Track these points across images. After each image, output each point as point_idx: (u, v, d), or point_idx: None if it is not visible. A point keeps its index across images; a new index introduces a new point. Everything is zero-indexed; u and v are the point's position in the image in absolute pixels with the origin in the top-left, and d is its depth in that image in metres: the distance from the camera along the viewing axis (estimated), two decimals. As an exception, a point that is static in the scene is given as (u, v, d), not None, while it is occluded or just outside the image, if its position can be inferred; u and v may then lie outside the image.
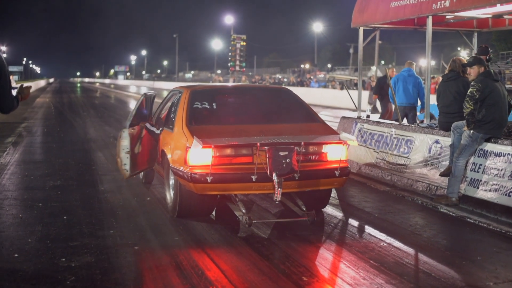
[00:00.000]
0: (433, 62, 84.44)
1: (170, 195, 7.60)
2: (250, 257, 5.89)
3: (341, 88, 39.96)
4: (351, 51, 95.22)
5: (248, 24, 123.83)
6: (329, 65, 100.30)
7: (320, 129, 7.26)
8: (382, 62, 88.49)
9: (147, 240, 6.43)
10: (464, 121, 7.98)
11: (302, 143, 6.67)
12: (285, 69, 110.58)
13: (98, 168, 11.07)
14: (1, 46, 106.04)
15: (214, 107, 7.57)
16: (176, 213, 7.22)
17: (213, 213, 7.48)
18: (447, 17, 10.99)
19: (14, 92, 5.75)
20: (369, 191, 9.12)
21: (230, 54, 27.03)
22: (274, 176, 6.48)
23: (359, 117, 11.54)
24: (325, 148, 6.94)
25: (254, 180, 6.56)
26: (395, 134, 10.01)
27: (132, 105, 37.77)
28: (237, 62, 26.81)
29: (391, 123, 10.39)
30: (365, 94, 32.00)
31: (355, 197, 8.68)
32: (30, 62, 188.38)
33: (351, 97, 12.25)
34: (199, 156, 6.58)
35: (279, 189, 6.51)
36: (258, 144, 6.47)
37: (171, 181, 7.59)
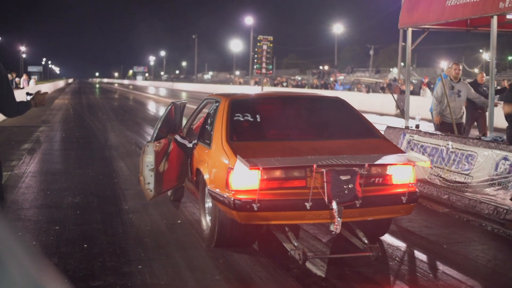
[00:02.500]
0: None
1: (206, 221, 6.59)
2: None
3: (367, 91, 38.84)
4: (371, 52, 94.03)
5: (266, 25, 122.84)
6: (349, 67, 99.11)
7: (383, 146, 6.22)
8: (402, 64, 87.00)
9: (182, 280, 5.41)
10: None
11: (366, 164, 5.63)
12: (304, 70, 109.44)
13: (120, 181, 10.08)
14: (21, 46, 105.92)
15: (258, 119, 6.54)
16: (214, 243, 6.21)
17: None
18: (507, 17, 9.89)
19: (29, 98, 5.45)
20: (427, 213, 8.05)
21: (256, 56, 25.94)
22: (334, 204, 5.44)
23: (407, 127, 10.46)
24: (391, 170, 5.89)
25: (308, 207, 5.52)
26: (452, 148, 8.92)
27: (151, 107, 36.92)
28: (263, 65, 25.72)
29: (447, 135, 9.30)
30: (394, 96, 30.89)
31: (413, 221, 7.60)
32: (50, 62, 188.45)
33: (397, 103, 11.24)
34: (244, 180, 5.56)
35: (339, 219, 5.47)
36: (315, 166, 5.44)
37: (208, 205, 6.58)
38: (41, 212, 7.84)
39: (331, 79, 64.61)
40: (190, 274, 5.55)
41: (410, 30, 10.54)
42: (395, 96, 30.75)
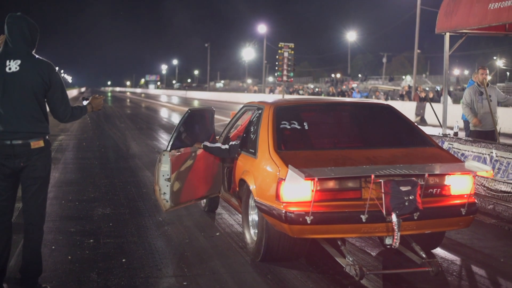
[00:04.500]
0: (466, 72, 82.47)
1: (250, 234, 6.26)
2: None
3: (386, 99, 38.51)
4: (384, 60, 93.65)
5: (278, 33, 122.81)
6: (360, 75, 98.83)
7: (439, 155, 5.88)
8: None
9: (233, 297, 5.11)
10: None
11: (426, 174, 5.30)
12: (317, 78, 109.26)
13: (149, 192, 9.77)
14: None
15: (305, 127, 6.22)
16: (260, 257, 5.89)
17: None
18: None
19: (85, 102, 5.35)
20: (474, 224, 7.62)
21: (277, 63, 25.61)
22: (394, 217, 5.12)
23: (445, 135, 10.11)
24: (450, 180, 5.56)
25: (364, 220, 5.20)
26: (496, 156, 8.57)
27: (164, 114, 36.72)
28: (285, 72, 25.42)
29: (490, 143, 8.94)
30: (412, 104, 30.61)
31: (461, 233, 7.25)
32: (62, 71, 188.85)
33: (434, 111, 10.90)
34: (297, 191, 5.24)
35: (399, 232, 5.15)
36: (373, 176, 5.11)
37: (252, 217, 6.26)
38: (72, 224, 7.55)
39: (344, 87, 64.23)
40: (240, 291, 5.24)
41: (447, 35, 10.21)
42: (415, 103, 30.45)
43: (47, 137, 4.97)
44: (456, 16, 9.70)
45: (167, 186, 6.83)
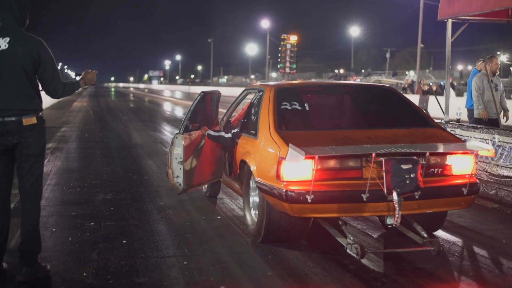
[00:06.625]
0: (469, 67, 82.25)
1: (251, 215, 6.24)
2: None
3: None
4: (387, 55, 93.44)
5: (281, 29, 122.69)
6: (363, 70, 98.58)
7: (440, 135, 5.85)
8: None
9: (233, 276, 5.08)
10: None
11: (427, 153, 5.27)
12: (320, 73, 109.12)
13: (151, 179, 9.76)
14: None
15: (306, 108, 6.19)
16: (261, 238, 5.87)
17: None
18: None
19: (78, 78, 5.33)
20: (476, 208, 7.64)
21: (279, 55, 25.56)
22: (394, 195, 5.09)
23: (448, 122, 10.08)
24: (451, 160, 5.53)
25: (365, 199, 5.17)
26: (498, 141, 8.53)
27: (168, 107, 36.72)
28: (287, 64, 25.37)
29: (492, 129, 8.91)
30: (415, 98, 30.49)
31: (463, 216, 7.23)
32: (66, 67, 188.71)
33: (437, 100, 10.89)
34: (298, 170, 5.21)
35: (400, 211, 5.12)
36: (374, 154, 5.08)
37: (253, 199, 6.24)
38: (73, 208, 7.53)
39: (355, 80, 64.13)
40: (240, 270, 5.21)
41: (450, 21, 10.15)
42: (417, 96, 30.36)
43: (40, 114, 4.94)
44: (459, 2, 9.65)
45: (180, 169, 6.84)
